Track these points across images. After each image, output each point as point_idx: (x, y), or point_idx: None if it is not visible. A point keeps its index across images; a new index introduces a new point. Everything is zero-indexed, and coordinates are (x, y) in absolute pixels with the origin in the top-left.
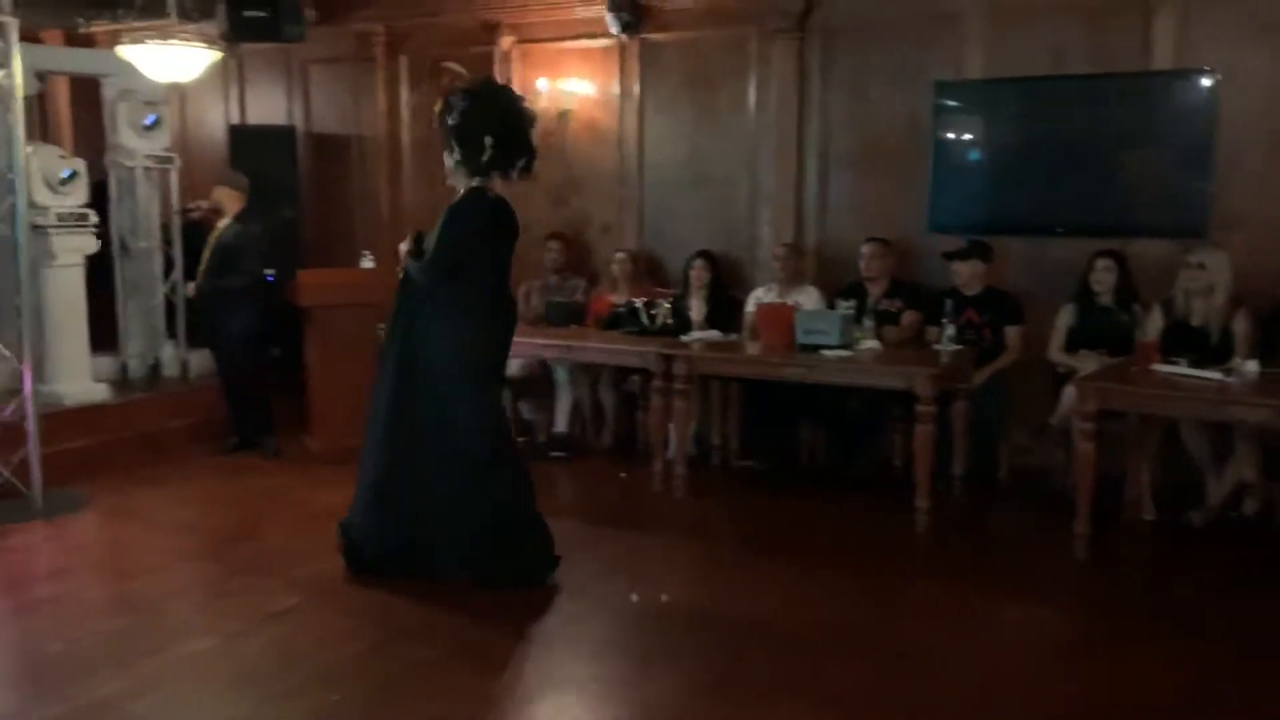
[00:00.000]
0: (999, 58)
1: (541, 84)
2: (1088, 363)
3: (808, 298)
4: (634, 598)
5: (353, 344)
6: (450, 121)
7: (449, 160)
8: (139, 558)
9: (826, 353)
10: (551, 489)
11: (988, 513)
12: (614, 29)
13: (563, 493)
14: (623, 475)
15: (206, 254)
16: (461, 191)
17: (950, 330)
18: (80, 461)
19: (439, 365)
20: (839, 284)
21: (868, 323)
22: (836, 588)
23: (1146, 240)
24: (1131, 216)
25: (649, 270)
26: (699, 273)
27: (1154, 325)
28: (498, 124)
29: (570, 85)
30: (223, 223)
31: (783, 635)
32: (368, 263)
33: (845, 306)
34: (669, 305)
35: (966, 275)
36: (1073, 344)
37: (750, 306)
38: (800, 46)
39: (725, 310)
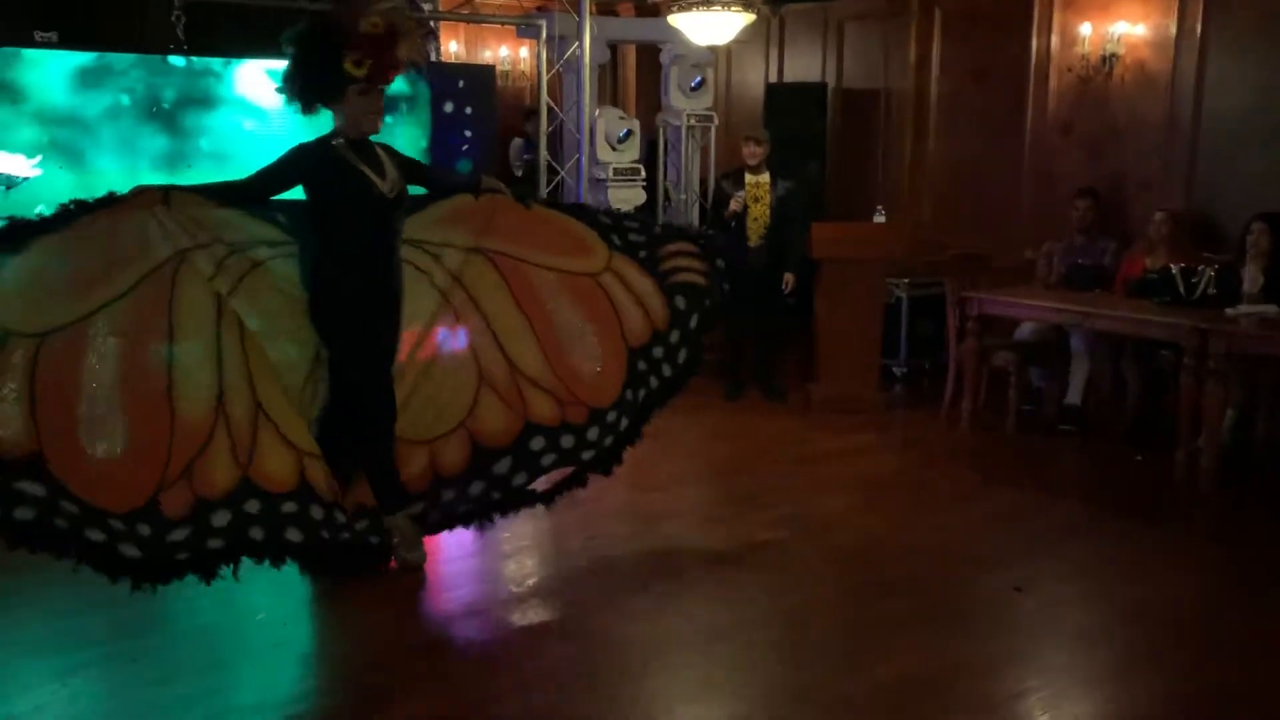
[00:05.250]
0: None
1: (1085, 28)
2: None
3: None
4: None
5: (861, 296)
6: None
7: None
8: (652, 474)
9: None
10: (1053, 464)
11: None
12: None
13: (1066, 470)
14: (1139, 459)
15: (759, 208)
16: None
17: None
18: None
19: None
20: None
21: None
22: None
23: None
24: None
25: (1195, 233)
26: (1259, 238)
27: None
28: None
29: (1118, 28)
30: (761, 177)
31: None
32: (879, 217)
33: None
34: (1213, 273)
35: None
36: None
37: None
38: None
39: None
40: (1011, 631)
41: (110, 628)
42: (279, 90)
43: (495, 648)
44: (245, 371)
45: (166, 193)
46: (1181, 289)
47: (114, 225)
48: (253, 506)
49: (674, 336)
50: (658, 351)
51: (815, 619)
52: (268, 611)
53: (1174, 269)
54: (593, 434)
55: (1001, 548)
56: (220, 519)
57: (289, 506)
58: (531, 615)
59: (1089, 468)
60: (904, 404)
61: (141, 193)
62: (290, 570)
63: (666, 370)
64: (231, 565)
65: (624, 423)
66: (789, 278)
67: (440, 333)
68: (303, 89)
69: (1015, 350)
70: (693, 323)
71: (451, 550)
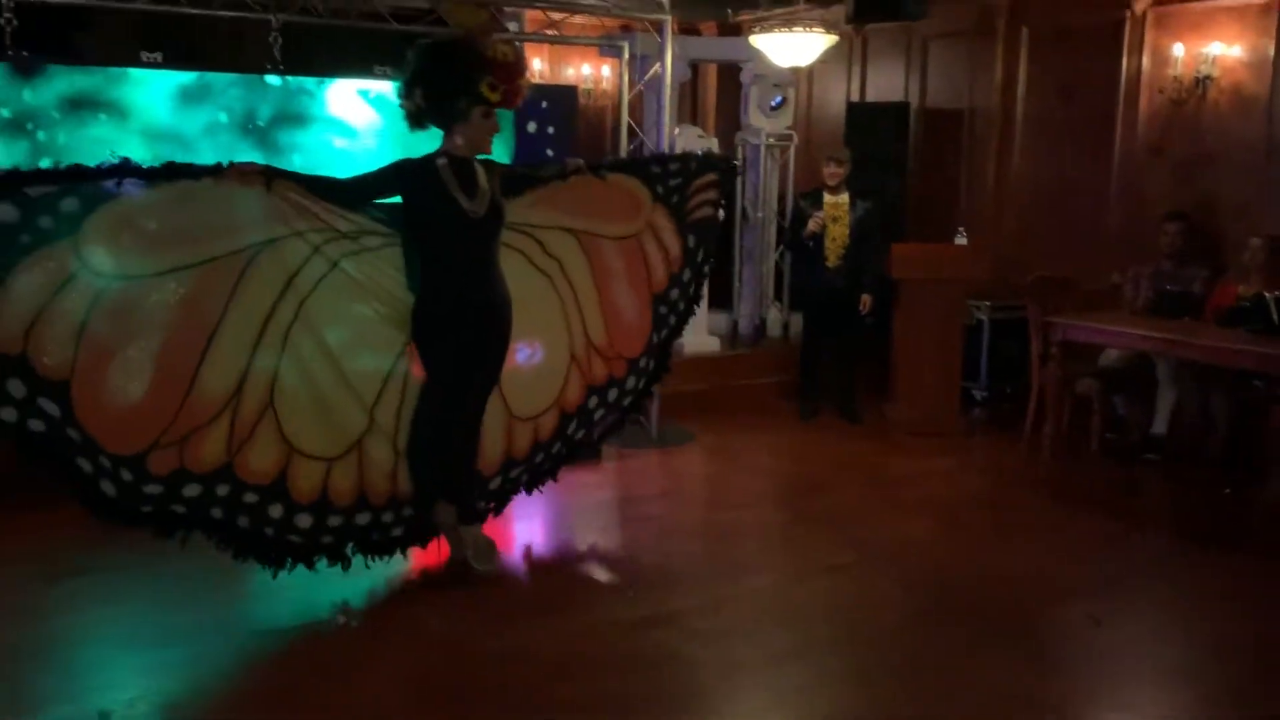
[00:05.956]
0: None
1: (1177, 49)
2: None
3: None
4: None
5: (941, 318)
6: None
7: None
8: (725, 493)
9: None
10: (1137, 494)
11: None
12: None
13: (1150, 500)
14: (1227, 491)
15: (838, 228)
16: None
17: None
18: (691, 403)
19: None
20: None
21: None
22: None
23: None
24: None
25: None
26: None
27: None
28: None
29: (1213, 49)
30: (840, 197)
31: None
32: (961, 239)
33: None
34: None
35: None
36: None
37: None
38: None
39: None
40: (1087, 665)
41: (194, 626)
42: (399, 102)
43: (562, 665)
44: (273, 367)
45: (270, 179)
46: (1275, 317)
47: (213, 196)
48: (223, 490)
49: (686, 274)
50: (674, 293)
51: (885, 644)
52: (349, 618)
53: (1268, 296)
54: (630, 383)
55: (1080, 578)
56: (191, 490)
57: (250, 498)
58: (600, 633)
59: (1174, 498)
60: (984, 428)
61: (245, 172)
62: (372, 574)
63: (681, 306)
64: (184, 533)
65: (651, 364)
66: (866, 298)
67: (547, 320)
68: (430, 105)
69: (1099, 377)
70: (700, 256)
71: (521, 565)
